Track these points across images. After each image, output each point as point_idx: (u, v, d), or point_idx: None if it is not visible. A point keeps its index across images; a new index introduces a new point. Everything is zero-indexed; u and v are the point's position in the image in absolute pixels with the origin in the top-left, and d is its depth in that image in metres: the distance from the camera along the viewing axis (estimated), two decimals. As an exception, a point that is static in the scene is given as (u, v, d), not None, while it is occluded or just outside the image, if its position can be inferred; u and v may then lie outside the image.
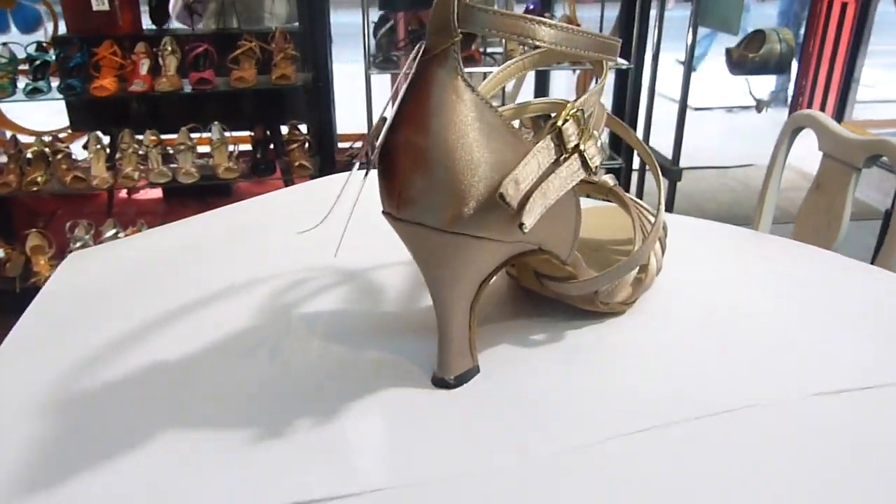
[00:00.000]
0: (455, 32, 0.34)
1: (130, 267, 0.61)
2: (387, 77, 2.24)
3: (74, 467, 0.36)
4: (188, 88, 2.18)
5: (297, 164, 2.30)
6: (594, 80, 2.80)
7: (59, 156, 2.20)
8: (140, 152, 2.24)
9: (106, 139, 2.33)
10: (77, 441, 0.38)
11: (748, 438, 0.37)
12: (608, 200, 0.55)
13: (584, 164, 0.38)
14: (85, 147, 2.25)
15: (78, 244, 2.24)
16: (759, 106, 2.21)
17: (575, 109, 0.38)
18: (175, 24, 2.50)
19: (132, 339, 0.48)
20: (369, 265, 0.55)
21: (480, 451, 0.37)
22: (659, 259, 0.51)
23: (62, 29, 2.48)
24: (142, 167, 2.24)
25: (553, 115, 0.39)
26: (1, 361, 0.47)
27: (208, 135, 2.32)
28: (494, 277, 0.41)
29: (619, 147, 2.40)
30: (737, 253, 0.62)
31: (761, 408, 0.39)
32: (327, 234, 0.40)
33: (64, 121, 2.58)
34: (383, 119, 0.36)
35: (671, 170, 2.26)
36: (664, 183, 0.51)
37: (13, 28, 2.79)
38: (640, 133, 2.40)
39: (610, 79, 2.51)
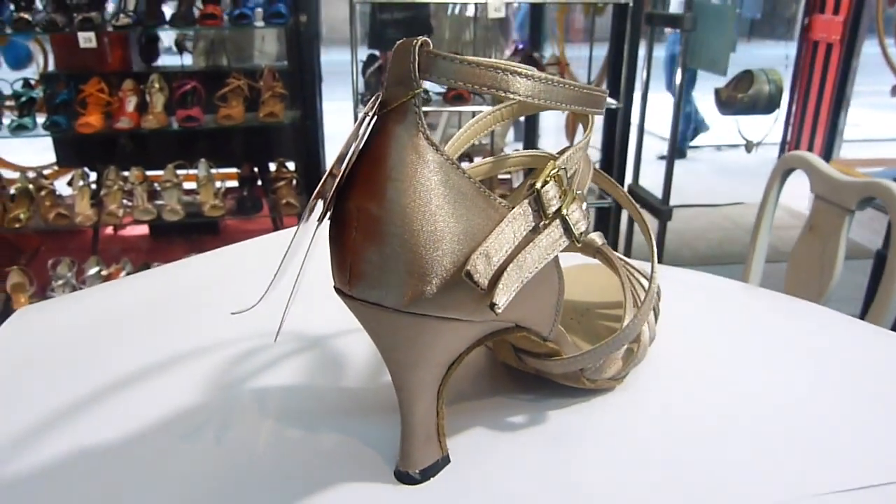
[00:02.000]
0: (416, 84, 0.30)
1: (76, 327, 0.56)
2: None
3: None
4: (175, 125, 2.16)
5: (284, 201, 2.28)
6: (581, 128, 2.83)
7: (43, 192, 2.17)
8: (126, 189, 2.21)
9: (93, 175, 2.30)
10: None
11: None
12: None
13: (567, 230, 0.33)
14: (69, 184, 2.23)
15: (60, 282, 2.20)
16: (749, 146, 2.22)
17: (557, 169, 0.33)
18: (164, 62, 2.50)
19: (62, 414, 0.42)
20: (328, 332, 0.50)
21: None
22: (652, 327, 0.46)
23: (52, 65, 2.48)
24: (127, 204, 2.21)
25: (534, 169, 0.35)
26: None
27: (195, 172, 2.30)
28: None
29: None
30: (730, 315, 0.58)
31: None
32: (283, 295, 0.35)
33: (52, 157, 2.56)
34: (332, 175, 0.31)
35: (661, 209, 2.25)
36: (655, 244, 0.47)
37: (3, 64, 2.79)
38: (629, 172, 2.39)
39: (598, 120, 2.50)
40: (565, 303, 0.39)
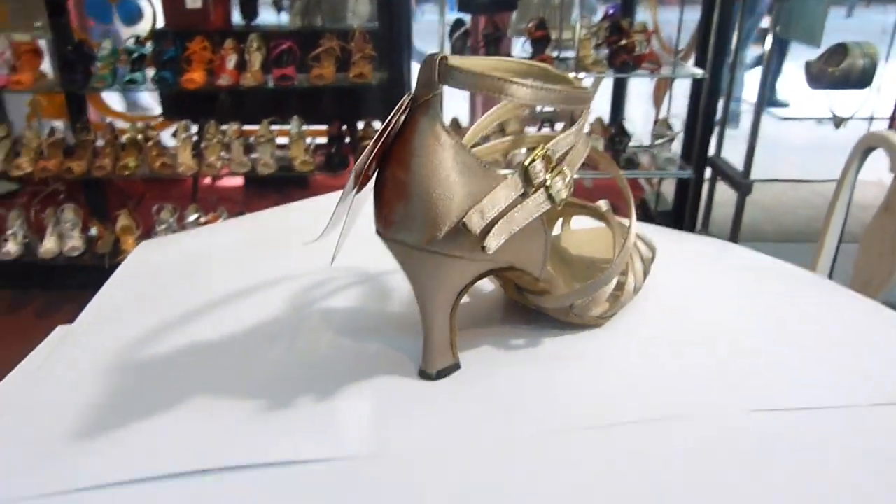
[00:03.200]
0: (436, 87, 0.40)
1: (190, 258, 0.69)
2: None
3: (127, 419, 0.43)
4: (271, 83, 2.28)
5: (369, 159, 2.37)
6: (669, 89, 2.74)
7: (150, 143, 2.34)
8: (224, 142, 2.36)
9: (194, 128, 2.46)
10: (130, 400, 0.46)
11: (686, 444, 0.42)
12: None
13: (550, 197, 0.43)
14: (174, 135, 2.39)
15: (162, 226, 2.38)
16: (837, 121, 2.14)
17: (545, 150, 0.43)
18: (262, 20, 2.62)
19: (182, 321, 0.55)
20: (378, 270, 0.62)
21: (457, 430, 0.43)
22: (638, 279, 0.55)
23: (161, 21, 2.64)
24: (225, 156, 2.36)
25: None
26: (78, 330, 0.57)
27: (288, 127, 2.43)
28: (485, 285, 0.47)
29: (690, 157, 2.37)
30: (744, 283, 0.64)
31: (699, 419, 0.43)
32: (345, 243, 0.46)
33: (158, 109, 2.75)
34: (368, 152, 0.41)
35: (741, 182, 2.22)
36: (633, 203, 0.56)
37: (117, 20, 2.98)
38: (712, 143, 2.36)
39: (685, 85, 2.49)
40: (572, 256, 0.49)
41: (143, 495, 0.38)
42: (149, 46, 2.33)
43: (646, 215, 2.51)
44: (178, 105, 2.73)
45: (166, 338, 0.53)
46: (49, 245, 2.33)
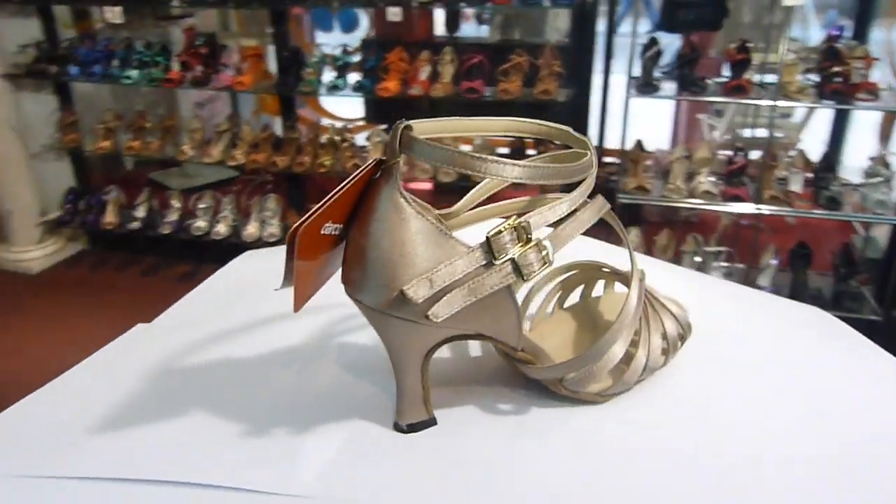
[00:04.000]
0: (397, 155, 0.41)
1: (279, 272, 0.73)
2: (649, 101, 2.19)
3: (128, 422, 0.49)
4: (459, 95, 2.35)
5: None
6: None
7: (346, 143, 2.51)
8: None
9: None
10: (148, 405, 0.51)
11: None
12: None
13: (517, 270, 0.42)
14: (367, 139, 2.55)
15: (349, 222, 2.55)
16: None
17: (517, 222, 0.41)
18: (464, 32, 2.71)
19: (237, 335, 0.60)
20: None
21: (412, 487, 0.43)
22: (654, 357, 0.49)
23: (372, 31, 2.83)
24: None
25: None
26: (151, 331, 0.63)
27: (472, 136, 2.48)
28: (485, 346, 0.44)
29: None
30: (813, 382, 0.54)
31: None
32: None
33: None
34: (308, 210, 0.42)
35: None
36: (637, 272, 0.50)
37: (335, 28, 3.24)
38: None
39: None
40: (601, 323, 0.49)
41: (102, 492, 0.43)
42: (354, 56, 2.50)
43: (849, 261, 2.24)
44: (378, 110, 2.90)
45: (215, 349, 0.58)
46: (251, 229, 2.59)
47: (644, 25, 2.32)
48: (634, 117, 2.13)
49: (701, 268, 2.23)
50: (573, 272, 0.56)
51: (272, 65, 2.60)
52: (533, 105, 2.40)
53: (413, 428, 0.47)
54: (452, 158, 0.40)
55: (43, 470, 0.44)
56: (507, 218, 0.42)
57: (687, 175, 2.21)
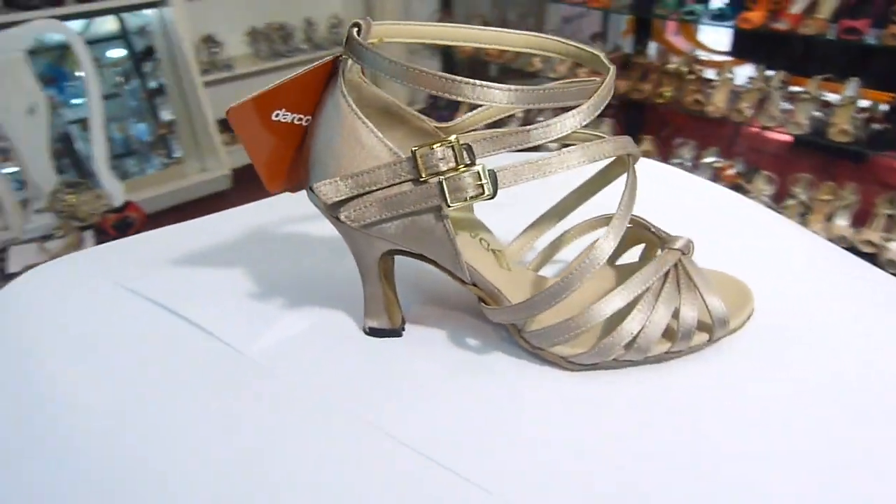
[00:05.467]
0: (344, 51, 0.41)
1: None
2: None
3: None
4: (832, 35, 2.00)
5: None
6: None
7: (692, 76, 2.34)
8: (764, 90, 2.20)
9: (745, 70, 2.34)
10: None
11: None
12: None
13: (443, 194, 0.38)
14: (717, 74, 2.33)
15: (676, 160, 2.40)
16: None
17: (456, 142, 0.37)
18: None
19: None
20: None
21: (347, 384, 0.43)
22: (651, 331, 0.40)
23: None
24: (784, 108, 2.19)
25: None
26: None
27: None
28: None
29: None
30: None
31: None
32: None
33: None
34: None
35: None
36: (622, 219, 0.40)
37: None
38: None
39: None
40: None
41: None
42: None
43: None
44: (742, 45, 2.61)
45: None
46: (578, 149, 2.59)
47: None
48: None
49: None
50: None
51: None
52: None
53: (374, 332, 0.47)
54: (404, 73, 0.37)
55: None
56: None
57: None
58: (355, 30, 0.40)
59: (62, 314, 0.53)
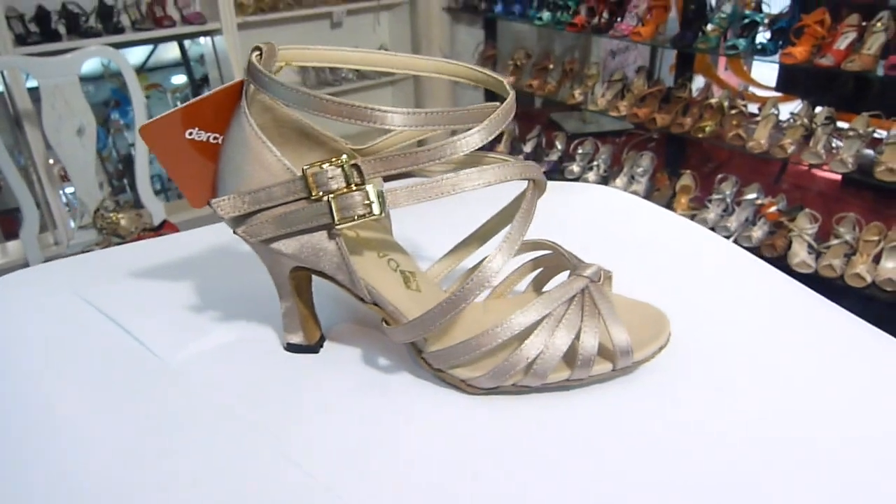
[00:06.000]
0: (245, 77, 0.42)
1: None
2: None
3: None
4: (881, 72, 1.94)
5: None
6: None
7: (734, 111, 2.29)
8: (808, 126, 2.14)
9: (789, 107, 2.28)
10: None
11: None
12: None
13: (331, 213, 0.39)
14: (759, 109, 2.28)
15: (717, 196, 2.35)
16: None
17: (347, 161, 0.38)
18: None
19: None
20: None
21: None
22: (549, 353, 0.39)
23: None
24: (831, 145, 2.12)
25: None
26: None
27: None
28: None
29: None
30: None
31: None
32: None
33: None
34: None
35: None
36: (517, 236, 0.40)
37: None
38: None
39: None
40: None
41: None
42: (764, 14, 2.23)
43: None
44: (788, 80, 2.55)
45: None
46: (618, 183, 2.56)
47: None
48: None
49: None
50: (547, 252, 0.48)
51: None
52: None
53: (292, 348, 0.47)
54: (306, 100, 0.38)
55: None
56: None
57: None
58: (255, 54, 0.41)
59: (20, 316, 0.55)
